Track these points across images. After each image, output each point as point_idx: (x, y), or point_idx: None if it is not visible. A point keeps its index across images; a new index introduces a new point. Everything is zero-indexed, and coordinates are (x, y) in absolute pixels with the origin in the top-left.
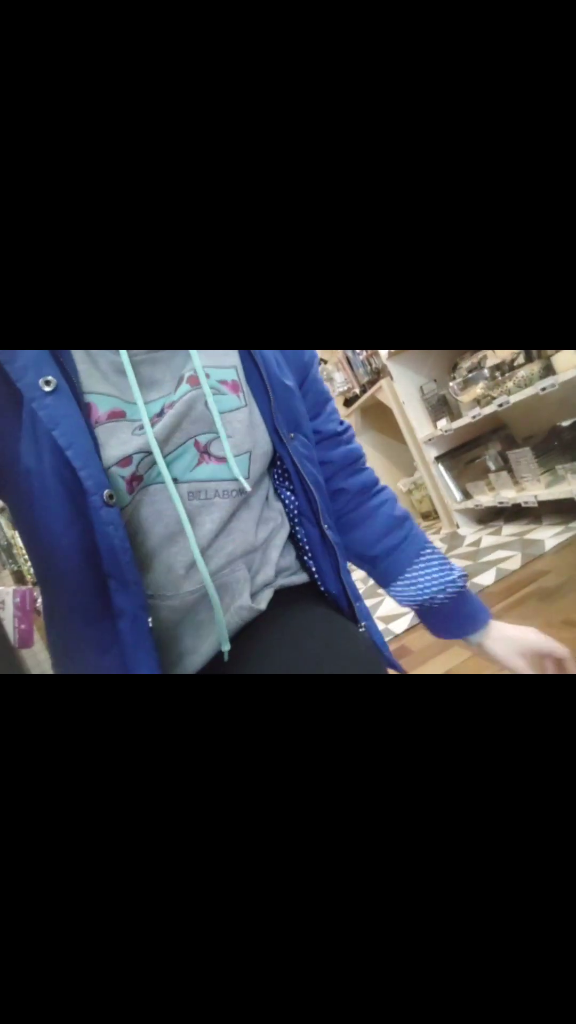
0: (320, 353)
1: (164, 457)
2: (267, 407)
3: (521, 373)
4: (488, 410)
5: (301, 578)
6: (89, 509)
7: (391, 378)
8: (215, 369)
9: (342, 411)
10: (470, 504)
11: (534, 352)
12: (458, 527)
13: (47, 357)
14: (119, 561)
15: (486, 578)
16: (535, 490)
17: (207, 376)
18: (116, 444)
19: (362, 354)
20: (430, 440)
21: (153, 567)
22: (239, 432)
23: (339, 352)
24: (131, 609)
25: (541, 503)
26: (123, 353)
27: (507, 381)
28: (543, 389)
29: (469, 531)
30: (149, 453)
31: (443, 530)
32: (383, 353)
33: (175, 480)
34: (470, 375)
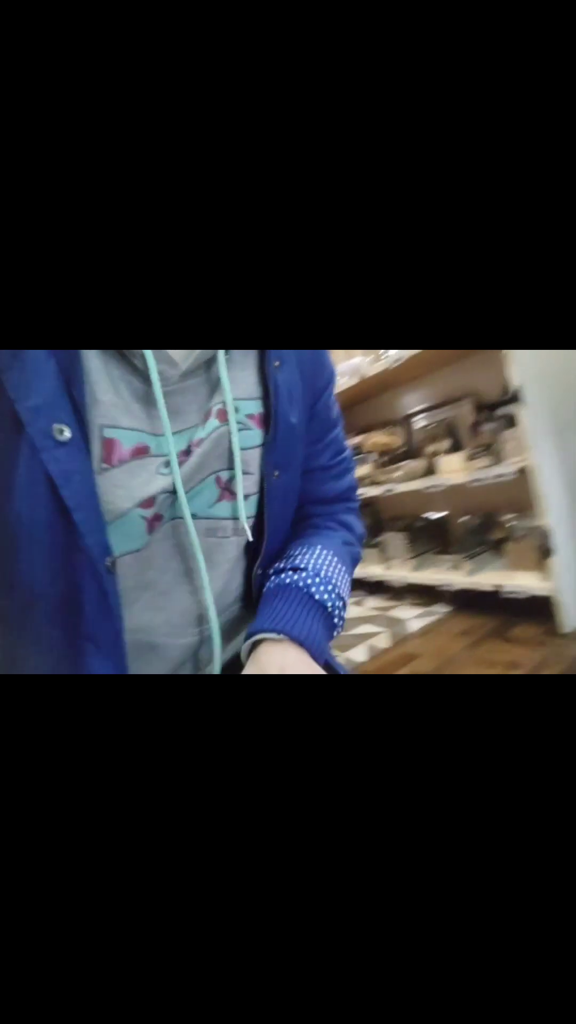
0: None
1: (187, 493)
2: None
3: (407, 468)
4: (373, 491)
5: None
6: (84, 572)
7: None
8: (244, 401)
9: None
10: None
11: (420, 451)
12: None
13: (61, 394)
14: (106, 627)
15: (358, 653)
16: (403, 572)
17: (236, 410)
18: (139, 485)
19: None
20: None
21: (162, 607)
22: (256, 469)
23: None
24: (105, 671)
25: (407, 585)
26: (155, 381)
27: (394, 471)
28: (427, 487)
29: None
30: (172, 492)
31: None
32: None
33: (194, 516)
34: (357, 455)
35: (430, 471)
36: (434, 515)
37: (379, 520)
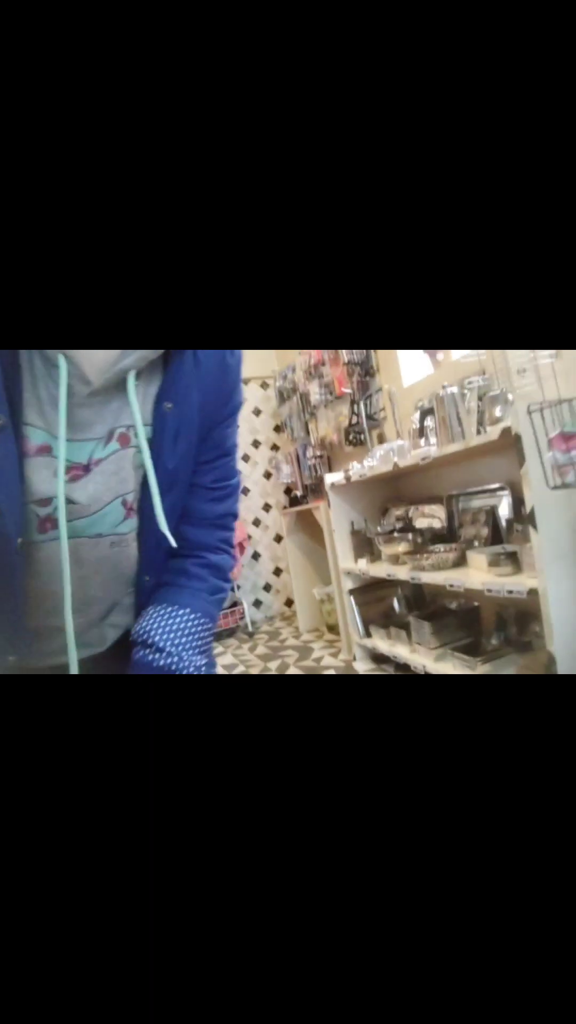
0: (275, 441)
1: (93, 515)
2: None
3: (437, 557)
4: (402, 573)
5: None
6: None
7: (328, 504)
8: (146, 427)
9: (281, 499)
10: (368, 643)
11: (459, 534)
12: (355, 659)
13: (1, 387)
14: (10, 602)
15: None
16: (426, 660)
17: (135, 435)
18: (40, 481)
19: (311, 459)
20: (348, 573)
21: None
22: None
23: (292, 449)
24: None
25: (426, 672)
26: (62, 387)
27: (425, 558)
28: (448, 583)
29: (363, 667)
30: (70, 502)
31: (341, 655)
32: (328, 480)
33: (99, 535)
34: (396, 535)
35: (462, 560)
36: (465, 605)
37: (421, 595)
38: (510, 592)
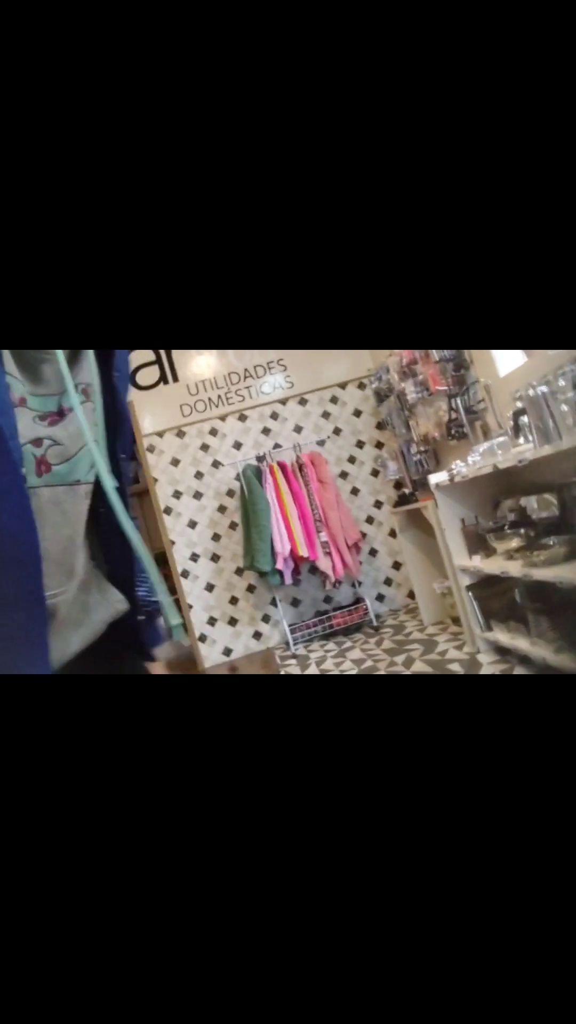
0: (379, 439)
1: (72, 458)
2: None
3: (549, 552)
4: (515, 570)
5: None
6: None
7: (435, 504)
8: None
9: (391, 495)
10: (491, 636)
11: (569, 529)
12: (478, 652)
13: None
14: (29, 537)
15: None
16: (545, 653)
17: (93, 392)
18: (27, 426)
19: (416, 455)
20: (463, 570)
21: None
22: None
23: (396, 445)
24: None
25: (546, 665)
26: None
27: (537, 555)
28: (559, 580)
29: (487, 659)
30: (55, 443)
31: (465, 648)
32: (432, 480)
33: (77, 482)
34: (507, 530)
35: (574, 554)
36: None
37: (542, 586)
38: None
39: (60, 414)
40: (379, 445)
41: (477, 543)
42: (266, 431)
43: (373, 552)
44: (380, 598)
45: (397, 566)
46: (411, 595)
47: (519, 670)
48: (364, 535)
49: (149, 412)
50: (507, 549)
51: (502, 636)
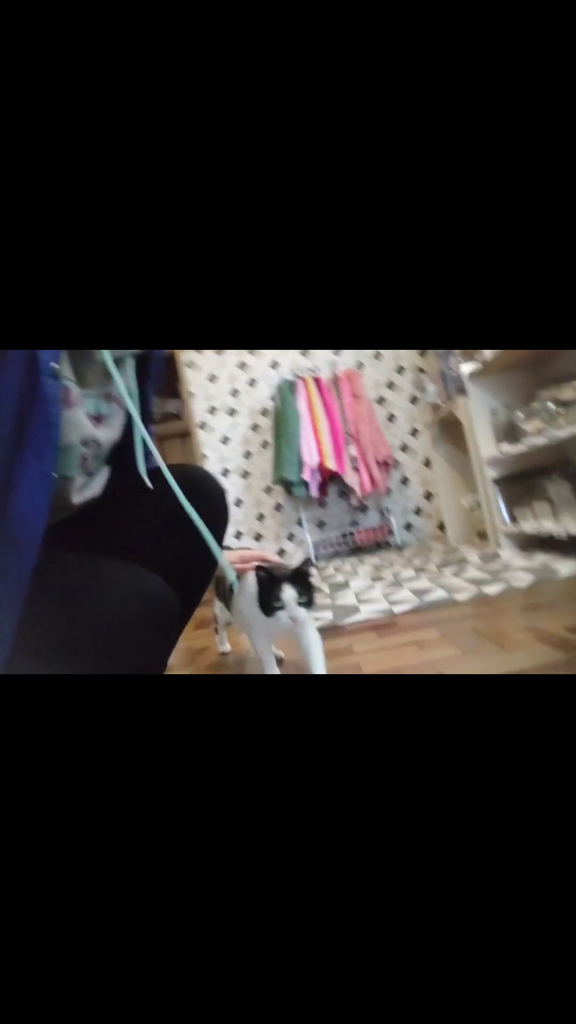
0: (420, 362)
1: (99, 456)
2: None
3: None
4: (540, 441)
5: None
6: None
7: (467, 396)
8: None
9: (428, 423)
10: (514, 529)
11: None
12: (500, 548)
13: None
14: (48, 434)
15: (492, 588)
16: (569, 525)
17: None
18: (84, 425)
19: (454, 370)
20: (492, 461)
21: None
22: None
23: (437, 366)
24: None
25: (571, 537)
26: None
27: (562, 416)
28: None
29: (507, 555)
30: (96, 443)
31: (488, 548)
32: (464, 371)
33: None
34: (536, 406)
35: None
36: None
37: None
38: None
39: (99, 419)
40: (420, 371)
41: (507, 433)
42: (304, 353)
43: (405, 481)
44: (408, 527)
45: (428, 496)
46: (441, 527)
47: (540, 557)
48: (397, 462)
49: None
50: (537, 428)
51: (526, 525)
